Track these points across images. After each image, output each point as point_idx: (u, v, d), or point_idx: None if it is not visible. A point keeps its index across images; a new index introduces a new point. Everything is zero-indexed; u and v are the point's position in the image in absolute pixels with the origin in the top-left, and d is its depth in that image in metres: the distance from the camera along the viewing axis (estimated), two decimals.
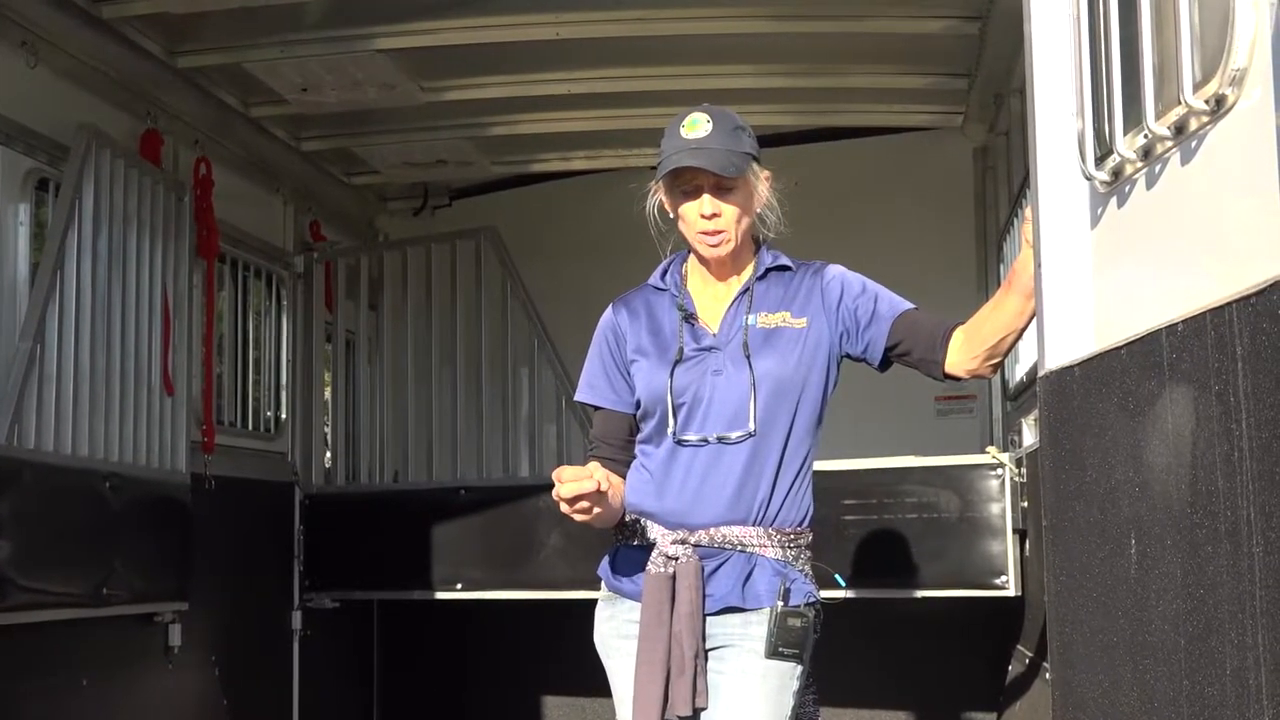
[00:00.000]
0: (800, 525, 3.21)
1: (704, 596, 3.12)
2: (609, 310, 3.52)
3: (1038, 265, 2.43)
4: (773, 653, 3.09)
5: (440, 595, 6.35)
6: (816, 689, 3.33)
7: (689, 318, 3.30)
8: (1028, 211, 2.65)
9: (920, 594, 5.73)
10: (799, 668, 3.14)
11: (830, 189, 7.17)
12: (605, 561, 3.41)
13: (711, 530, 3.15)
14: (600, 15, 5.65)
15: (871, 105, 6.67)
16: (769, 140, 6.97)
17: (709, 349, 3.25)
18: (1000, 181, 6.39)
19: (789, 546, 3.17)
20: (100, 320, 5.20)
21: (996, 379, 6.52)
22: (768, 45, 5.97)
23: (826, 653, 6.26)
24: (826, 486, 5.73)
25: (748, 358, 3.18)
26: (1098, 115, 2.20)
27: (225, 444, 6.17)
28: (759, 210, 3.33)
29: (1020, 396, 5.68)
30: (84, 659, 5.01)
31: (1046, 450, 2.47)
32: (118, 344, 5.29)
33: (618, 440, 3.40)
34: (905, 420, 7.02)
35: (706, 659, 3.14)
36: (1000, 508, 5.61)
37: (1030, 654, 5.18)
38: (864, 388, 7.07)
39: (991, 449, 5.78)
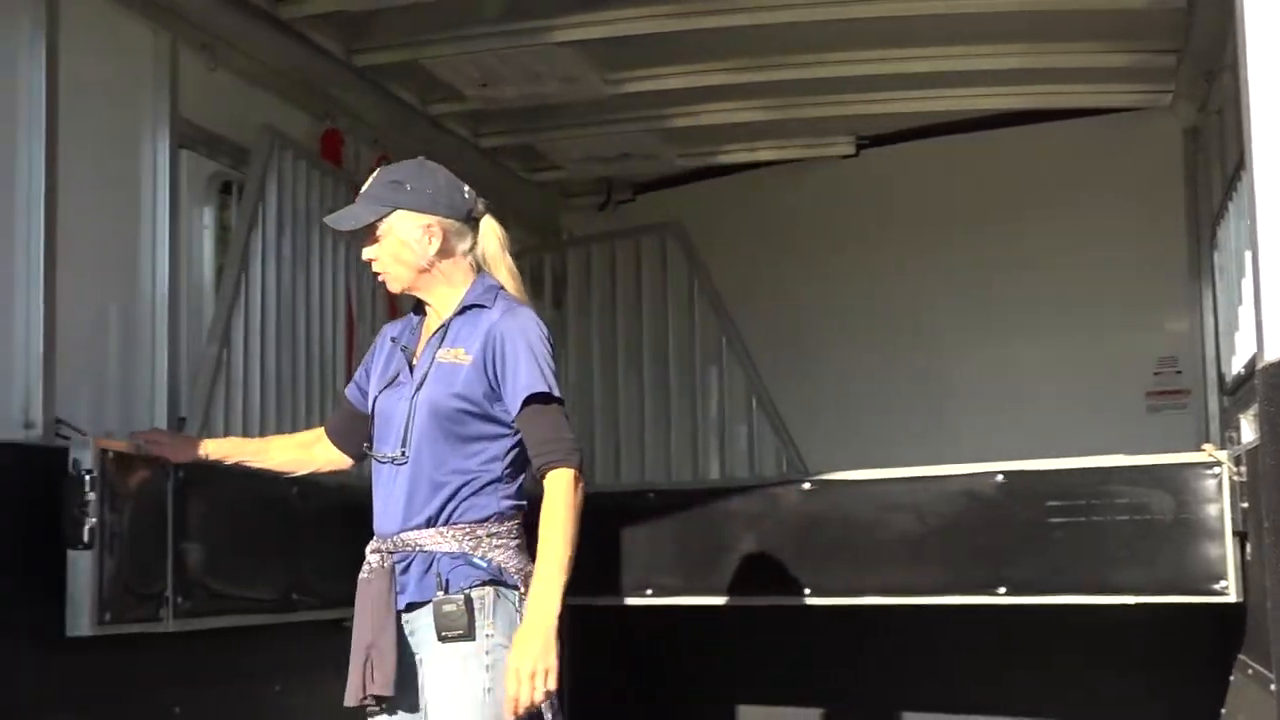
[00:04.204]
0: (484, 520, 3.61)
1: (398, 595, 3.59)
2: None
3: (1256, 252, 2.29)
4: (440, 639, 3.53)
5: (630, 601, 6.24)
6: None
7: (404, 349, 3.80)
8: None
9: (1131, 600, 5.47)
10: (473, 643, 3.53)
11: (1030, 174, 6.94)
12: None
13: (395, 537, 3.63)
14: (786, 0, 5.48)
15: (1073, 85, 6.42)
16: (966, 125, 6.91)
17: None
18: (1213, 163, 6.09)
19: (466, 539, 3.58)
20: (285, 323, 5.20)
21: (1212, 372, 6.25)
22: (961, 26, 5.75)
23: (1031, 661, 6.17)
24: (1030, 488, 5.62)
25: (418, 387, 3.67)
26: None
27: None
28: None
29: (1238, 390, 5.40)
30: (274, 665, 5.00)
31: (1268, 447, 2.36)
32: (302, 347, 5.29)
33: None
34: (1114, 417, 6.75)
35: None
36: (1218, 509, 5.32)
37: (1255, 664, 4.90)
38: (1070, 384, 6.92)
39: (1208, 446, 5.50)
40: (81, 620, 3.89)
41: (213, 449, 4.12)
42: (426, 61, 5.91)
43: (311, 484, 5.01)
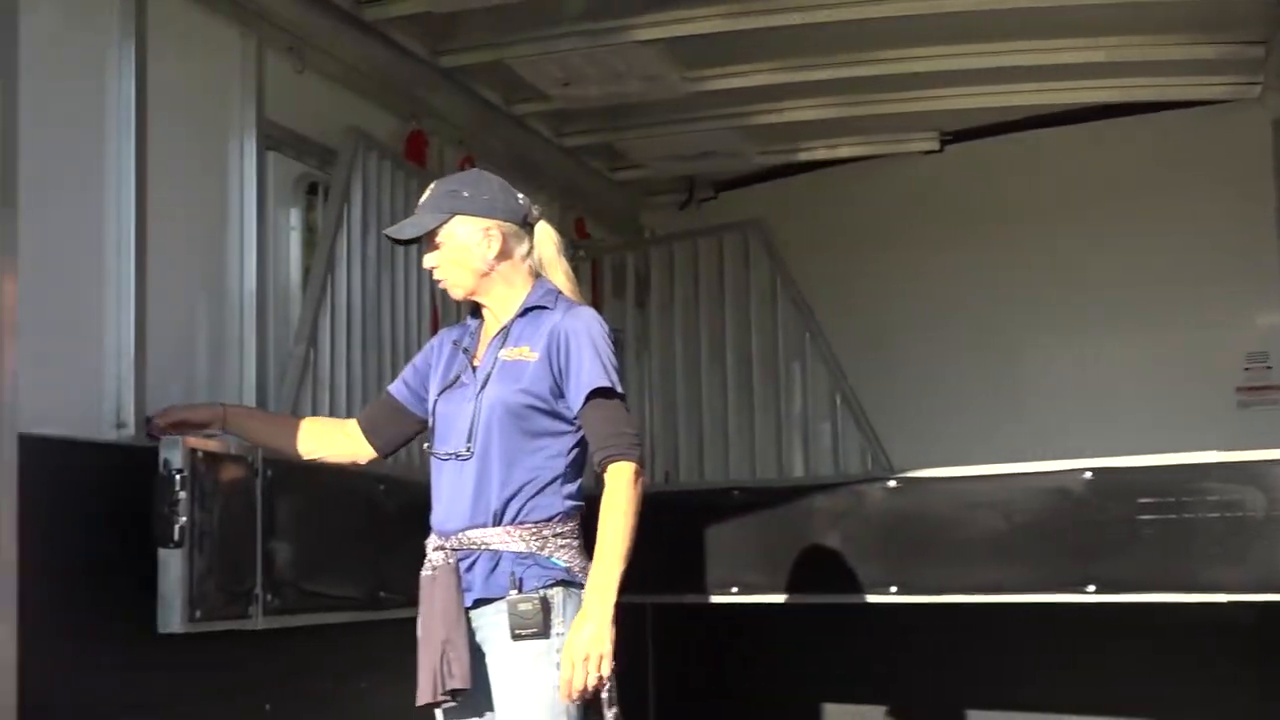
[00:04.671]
0: (548, 520, 3.66)
1: (463, 592, 3.64)
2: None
3: None
4: (513, 637, 3.58)
5: (715, 599, 6.22)
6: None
7: (465, 352, 3.87)
8: None
9: (1223, 599, 5.39)
10: (546, 641, 3.59)
11: (1117, 168, 6.86)
12: None
13: (460, 535, 3.68)
14: None
15: (1160, 78, 6.33)
16: (1051, 119, 6.83)
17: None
18: None
19: (533, 539, 3.63)
20: (370, 323, 5.23)
21: None
22: (1046, 20, 5.68)
23: (1117, 660, 6.09)
24: (1119, 485, 5.54)
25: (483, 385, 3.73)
26: None
27: None
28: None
29: None
30: (361, 662, 5.02)
31: None
32: (388, 346, 5.31)
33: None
34: (1203, 414, 6.66)
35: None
36: None
37: None
38: (1158, 381, 6.83)
39: None
40: (173, 618, 3.92)
41: (230, 420, 4.19)
42: (510, 61, 5.91)
43: (396, 481, 5.04)
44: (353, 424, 4.17)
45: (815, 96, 6.48)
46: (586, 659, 3.49)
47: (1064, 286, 7.00)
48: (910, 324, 7.30)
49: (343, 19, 5.29)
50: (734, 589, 6.18)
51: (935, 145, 7.17)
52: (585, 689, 3.51)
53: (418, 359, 4.06)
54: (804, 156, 7.31)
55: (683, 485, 6.83)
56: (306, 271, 5.10)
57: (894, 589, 5.86)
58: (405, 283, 5.45)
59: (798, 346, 6.83)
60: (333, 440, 4.18)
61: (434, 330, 5.52)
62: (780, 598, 6.12)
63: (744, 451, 6.84)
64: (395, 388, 4.08)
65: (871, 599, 5.92)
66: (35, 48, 3.36)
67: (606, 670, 3.51)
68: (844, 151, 7.23)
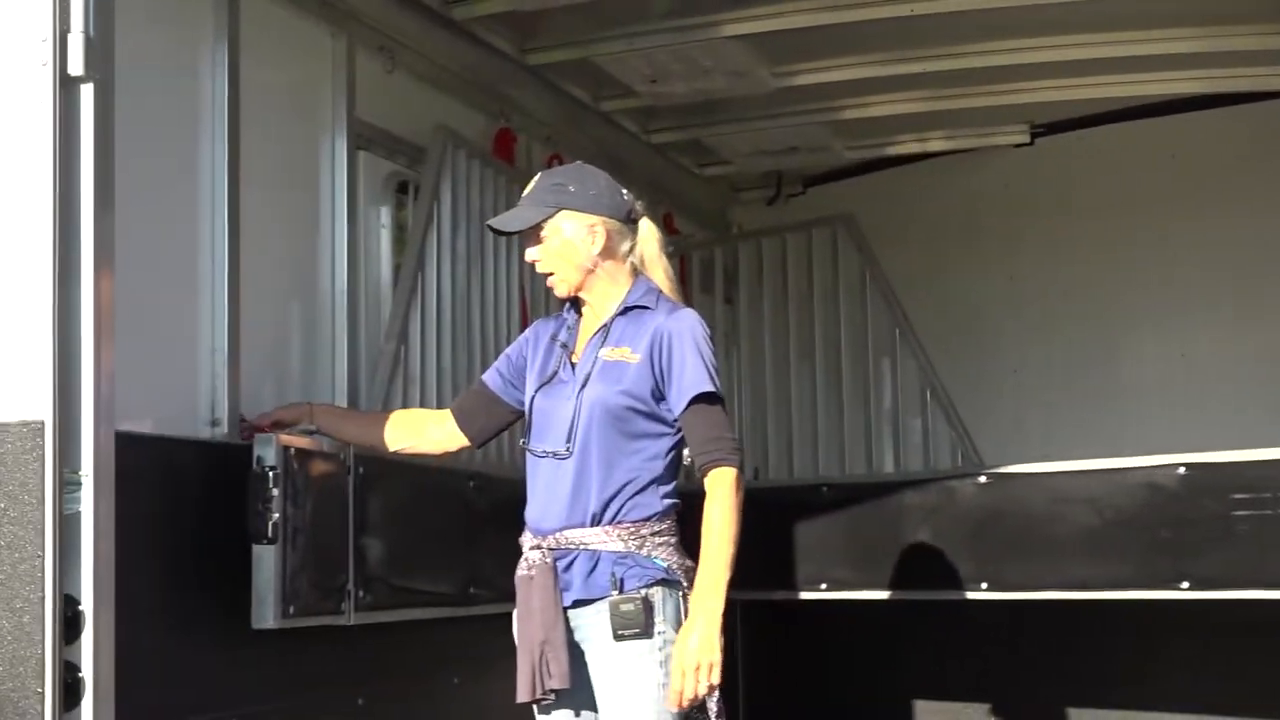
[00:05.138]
0: (647, 519, 3.64)
1: (562, 592, 3.63)
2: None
3: None
4: (616, 637, 3.56)
5: (804, 595, 6.22)
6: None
7: (563, 347, 3.84)
8: None
9: None
10: (650, 640, 3.57)
11: (1209, 159, 6.77)
12: None
13: (558, 534, 3.66)
14: None
15: (1251, 69, 6.21)
16: (1143, 111, 6.74)
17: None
18: None
19: (631, 538, 3.61)
20: (460, 320, 5.25)
21: None
22: (1136, 11, 5.62)
23: (1212, 658, 6.01)
24: (1213, 480, 5.48)
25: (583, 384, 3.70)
26: None
27: None
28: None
29: None
30: (453, 657, 5.07)
31: None
32: (477, 344, 5.34)
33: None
34: None
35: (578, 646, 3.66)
36: None
37: None
38: (1254, 375, 6.73)
39: None
40: (267, 614, 3.97)
41: (318, 418, 4.22)
42: (597, 59, 5.93)
43: (487, 478, 5.08)
44: (445, 413, 4.17)
45: (904, 90, 6.45)
46: (697, 668, 3.48)
47: (1158, 279, 6.92)
48: (1001, 318, 7.24)
49: (431, 18, 5.32)
50: (823, 585, 6.18)
51: (1025, 138, 7.11)
52: (696, 697, 3.50)
53: (511, 349, 4.05)
54: (893, 151, 7.27)
55: (772, 482, 6.83)
56: (397, 269, 5.13)
57: (985, 585, 5.84)
58: (494, 279, 5.48)
59: (887, 342, 6.80)
60: (424, 430, 4.17)
61: (524, 326, 5.55)
62: (870, 594, 6.11)
63: (833, 448, 6.82)
64: (489, 377, 4.06)
65: (961, 595, 5.89)
66: (130, 52, 3.40)
67: (716, 678, 3.50)
68: (933, 145, 7.20)
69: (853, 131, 7.02)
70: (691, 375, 3.63)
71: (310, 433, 4.23)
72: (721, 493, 3.58)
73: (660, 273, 3.85)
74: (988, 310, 7.26)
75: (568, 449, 3.66)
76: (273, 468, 3.99)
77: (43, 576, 3.00)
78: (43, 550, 3.01)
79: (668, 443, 3.69)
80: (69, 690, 3.02)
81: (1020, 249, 7.18)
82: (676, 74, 6.01)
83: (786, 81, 6.19)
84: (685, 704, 3.51)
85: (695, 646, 3.49)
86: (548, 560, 3.65)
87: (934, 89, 6.40)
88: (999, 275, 7.22)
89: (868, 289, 6.83)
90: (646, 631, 3.57)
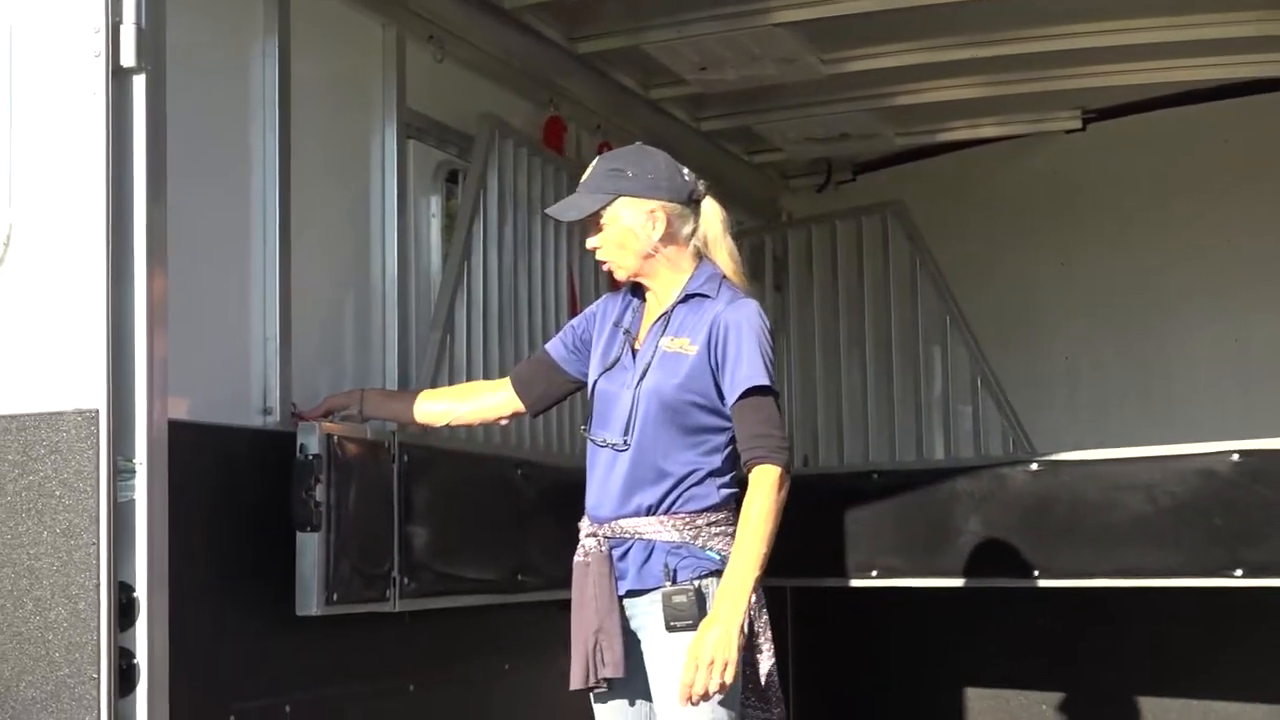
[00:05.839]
0: (703, 510, 3.63)
1: (617, 581, 3.63)
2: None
3: None
4: (668, 628, 3.55)
5: (855, 583, 6.21)
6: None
7: (626, 333, 3.82)
8: None
9: None
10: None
11: (1264, 144, 6.69)
12: None
13: (613, 523, 3.66)
14: None
15: None
16: (1196, 96, 6.68)
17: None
18: None
19: (687, 529, 3.60)
20: (507, 309, 5.26)
21: None
22: None
23: (1266, 647, 5.96)
24: (1268, 467, 5.42)
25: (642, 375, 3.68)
26: None
27: None
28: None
29: None
30: (503, 644, 5.10)
31: None
32: (525, 333, 5.34)
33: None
34: None
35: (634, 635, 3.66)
36: None
37: None
38: None
39: None
40: (310, 601, 3.99)
41: (368, 402, 4.23)
42: (647, 46, 5.92)
43: (534, 464, 5.09)
44: (502, 380, 4.17)
45: (955, 76, 6.41)
46: (711, 663, 3.43)
47: (1212, 266, 6.85)
48: (1052, 305, 7.20)
49: (481, 7, 5.33)
50: (873, 572, 6.17)
51: (1078, 124, 7.05)
52: (706, 693, 3.45)
53: (577, 321, 4.02)
54: (944, 137, 7.23)
55: (822, 469, 6.82)
56: (446, 258, 5.15)
57: (1036, 573, 5.82)
58: (542, 268, 5.48)
59: (938, 329, 6.76)
60: (478, 397, 4.18)
61: (572, 314, 5.56)
62: (920, 582, 6.10)
63: (883, 435, 6.80)
64: (552, 347, 4.04)
65: (1013, 583, 5.87)
66: (181, 44, 3.43)
67: (730, 677, 3.44)
68: (985, 132, 7.14)
69: (904, 118, 6.99)
70: (747, 367, 3.59)
71: (356, 419, 4.25)
72: (762, 491, 3.53)
73: (724, 254, 3.80)
74: (1039, 297, 7.21)
75: (625, 441, 3.65)
76: (316, 455, 4.02)
77: (97, 564, 3.05)
78: (97, 538, 3.05)
79: (727, 435, 3.66)
80: (124, 676, 3.06)
81: (1072, 235, 7.13)
82: (726, 61, 5.99)
83: (837, 68, 6.16)
84: (695, 700, 3.45)
85: (712, 641, 3.44)
86: (603, 549, 3.65)
87: (986, 74, 6.36)
88: (1050, 261, 7.17)
89: (918, 276, 6.80)
90: (698, 624, 3.52)
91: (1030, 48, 5.99)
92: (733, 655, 3.44)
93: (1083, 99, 6.89)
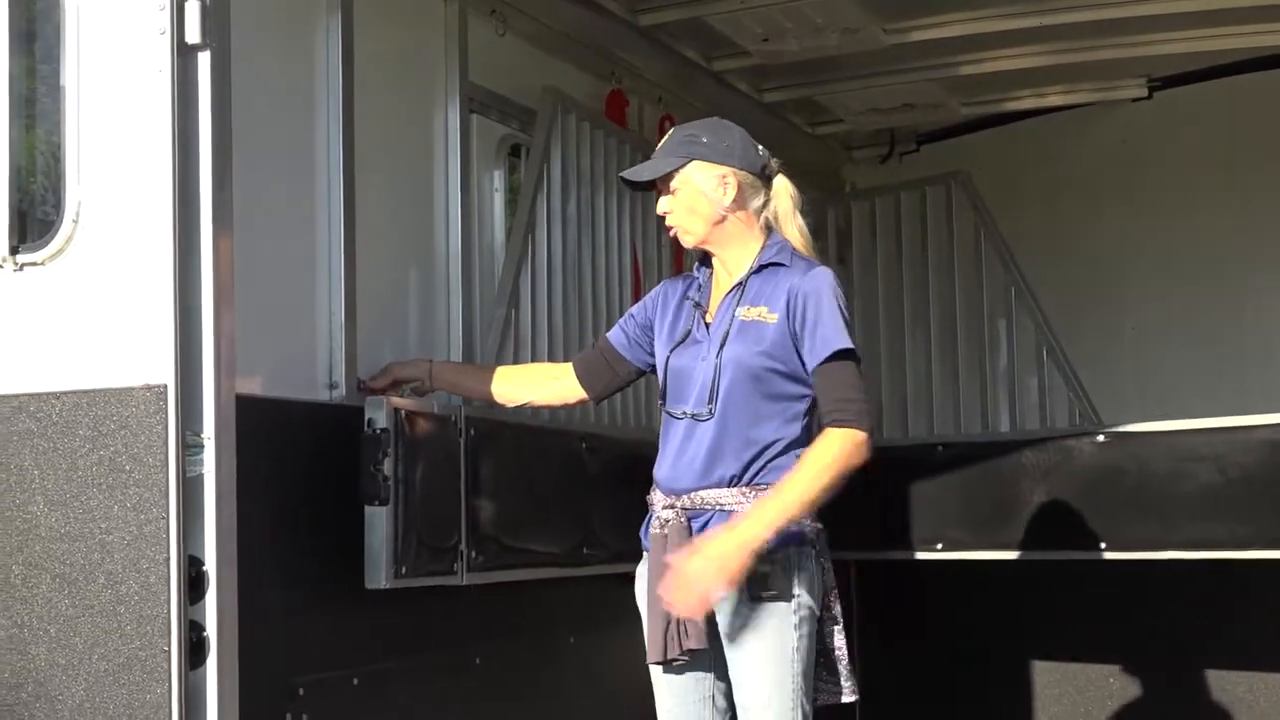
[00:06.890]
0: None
1: None
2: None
3: None
4: (754, 598, 3.54)
5: (920, 555, 6.19)
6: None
7: (696, 306, 3.82)
8: None
9: None
10: (787, 603, 3.56)
11: None
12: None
13: (693, 494, 3.65)
14: None
15: None
16: (1264, 62, 6.58)
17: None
18: None
19: None
20: (571, 284, 5.26)
21: None
22: None
23: None
24: None
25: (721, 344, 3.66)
26: None
27: None
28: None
29: None
30: (568, 617, 5.11)
31: None
32: (589, 307, 5.35)
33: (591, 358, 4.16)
34: None
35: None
36: None
37: None
38: None
39: None
40: (379, 574, 4.01)
41: (437, 375, 4.27)
42: (709, 18, 5.88)
43: (599, 438, 5.10)
44: (566, 367, 4.21)
45: (1019, 45, 6.34)
46: (698, 580, 3.45)
47: (1279, 233, 6.77)
48: (1120, 276, 7.13)
49: None
50: (938, 545, 6.15)
51: (1144, 92, 6.97)
52: (685, 609, 3.48)
53: (636, 309, 4.06)
54: (1009, 107, 7.16)
55: (887, 441, 6.76)
56: (509, 233, 5.16)
57: (1104, 545, 5.78)
58: (605, 243, 5.48)
59: (1003, 300, 6.72)
60: (545, 384, 4.22)
61: (635, 289, 5.56)
62: (986, 554, 6.07)
63: (948, 408, 6.76)
64: (613, 335, 4.08)
65: (1080, 556, 5.84)
66: (246, 20, 3.44)
67: (715, 599, 3.48)
68: (1050, 100, 7.06)
69: (968, 87, 6.93)
70: (827, 330, 3.59)
71: (424, 393, 4.27)
72: (834, 445, 3.52)
73: (795, 230, 3.83)
74: (1105, 267, 7.14)
75: (710, 410, 3.64)
76: (384, 430, 4.03)
77: (167, 538, 3.08)
78: (167, 512, 3.08)
79: (807, 403, 3.67)
80: (194, 649, 3.09)
81: (1138, 204, 7.05)
82: (789, 32, 5.96)
83: (900, 38, 6.11)
84: (678, 612, 3.48)
85: (711, 556, 3.46)
86: (682, 520, 3.64)
87: (1051, 43, 6.29)
88: (1116, 231, 7.09)
89: (983, 247, 6.75)
90: (784, 594, 3.55)
91: (1096, 15, 5.91)
92: (719, 589, 3.47)
93: (1148, 66, 6.80)
